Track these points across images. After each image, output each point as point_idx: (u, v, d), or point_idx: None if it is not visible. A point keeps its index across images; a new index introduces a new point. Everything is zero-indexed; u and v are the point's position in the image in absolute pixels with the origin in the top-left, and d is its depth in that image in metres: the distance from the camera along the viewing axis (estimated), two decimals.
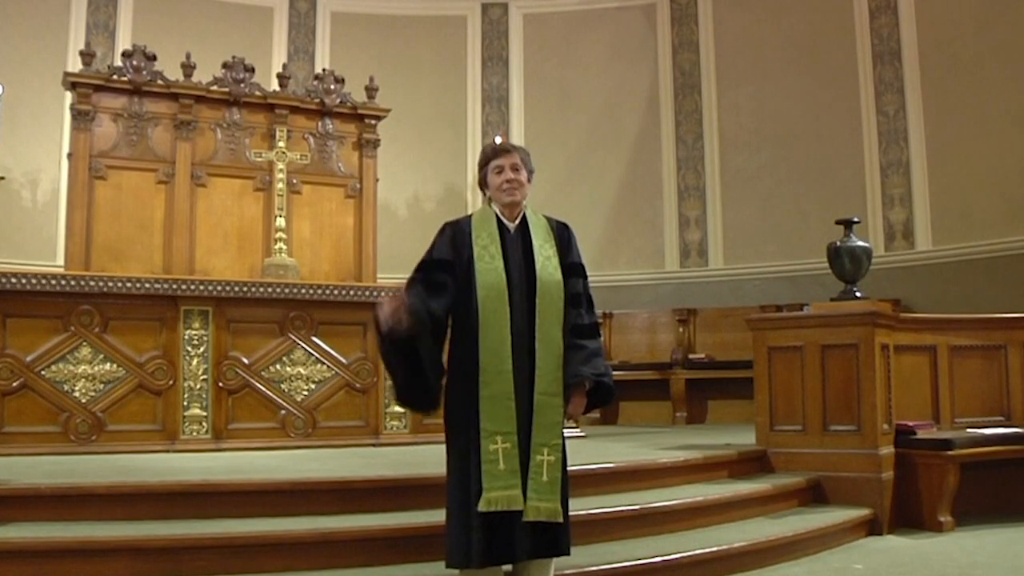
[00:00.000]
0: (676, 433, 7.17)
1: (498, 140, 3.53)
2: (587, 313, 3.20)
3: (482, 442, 2.95)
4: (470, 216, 3.26)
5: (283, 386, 5.68)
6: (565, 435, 3.14)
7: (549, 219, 3.27)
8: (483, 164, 3.25)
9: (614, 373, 3.39)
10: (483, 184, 3.27)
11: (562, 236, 3.24)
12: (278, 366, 5.68)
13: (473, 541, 2.93)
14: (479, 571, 3.02)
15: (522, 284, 3.09)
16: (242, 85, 7.75)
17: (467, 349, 3.06)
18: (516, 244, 3.14)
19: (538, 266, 3.10)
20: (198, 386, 5.44)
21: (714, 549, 3.97)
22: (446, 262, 3.14)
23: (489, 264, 3.07)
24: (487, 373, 2.99)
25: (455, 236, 3.18)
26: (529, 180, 3.22)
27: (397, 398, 3.20)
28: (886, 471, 5.10)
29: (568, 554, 3.10)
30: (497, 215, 3.19)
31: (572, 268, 3.20)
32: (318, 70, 9.03)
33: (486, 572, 3.03)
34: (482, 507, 2.91)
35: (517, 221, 3.19)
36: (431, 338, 3.05)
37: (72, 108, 7.43)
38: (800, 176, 9.37)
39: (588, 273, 3.32)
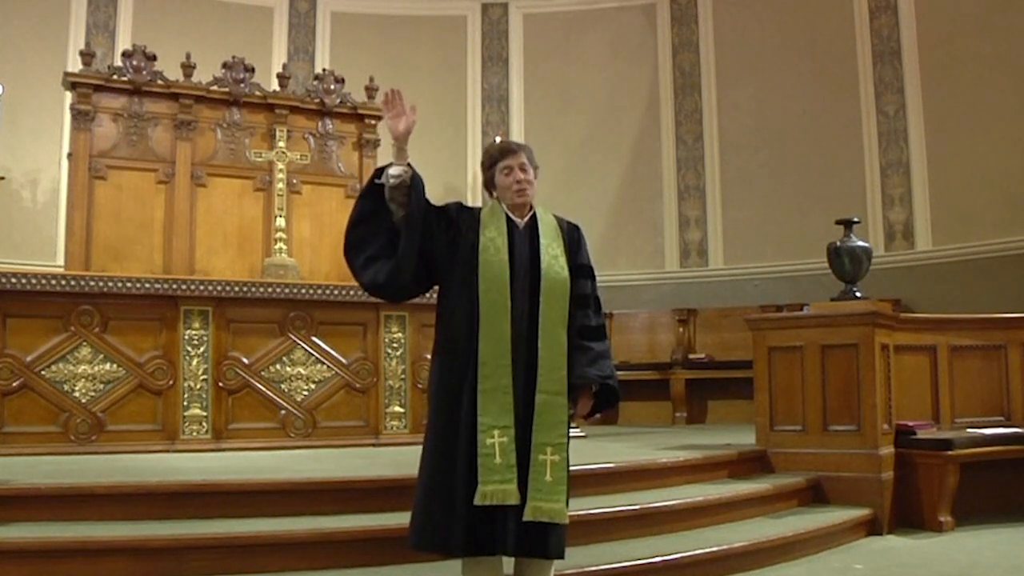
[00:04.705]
0: (676, 433, 7.17)
1: (498, 140, 3.52)
2: (595, 315, 3.18)
3: (479, 436, 2.93)
4: (481, 208, 3.23)
5: (283, 386, 5.68)
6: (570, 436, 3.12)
7: (559, 219, 3.24)
8: (489, 166, 3.21)
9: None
10: (490, 185, 3.25)
11: (572, 236, 3.22)
12: (278, 366, 5.68)
13: (455, 529, 2.91)
14: (478, 563, 3.01)
15: (526, 280, 3.06)
16: (242, 85, 7.76)
17: (461, 337, 3.03)
18: (524, 240, 3.12)
19: (544, 264, 3.07)
20: (198, 386, 5.44)
21: (714, 549, 3.97)
22: (447, 212, 3.14)
23: (493, 256, 3.05)
24: (486, 367, 2.97)
25: (462, 213, 3.17)
26: (536, 176, 3.21)
27: (347, 234, 3.14)
28: (886, 471, 5.10)
29: (562, 558, 3.06)
30: (506, 212, 3.17)
31: (580, 269, 3.18)
32: (318, 70, 9.03)
33: (484, 564, 3.02)
34: (477, 500, 2.88)
35: (526, 219, 3.17)
36: (413, 221, 3.03)
37: (72, 108, 7.43)
38: (800, 176, 9.37)
39: None
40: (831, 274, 5.71)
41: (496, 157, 3.20)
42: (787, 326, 5.49)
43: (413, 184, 3.04)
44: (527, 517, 2.91)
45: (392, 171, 3.05)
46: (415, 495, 3.05)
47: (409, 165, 3.07)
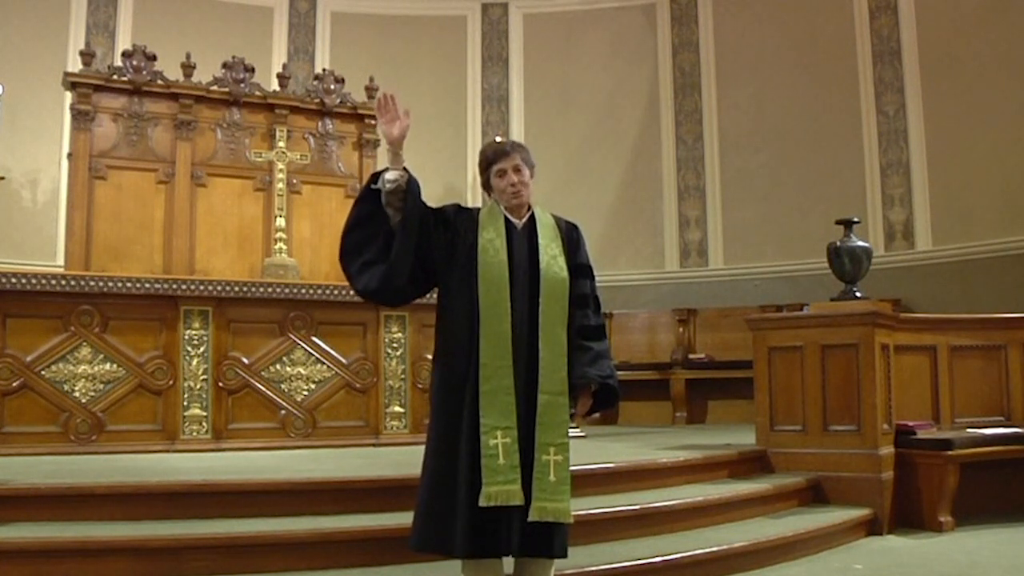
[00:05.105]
0: (676, 433, 7.17)
1: (498, 139, 3.51)
2: (594, 314, 3.18)
3: (482, 437, 2.93)
4: (479, 208, 3.23)
5: (283, 386, 5.68)
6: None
7: (558, 218, 3.25)
8: (484, 168, 3.22)
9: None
10: (487, 187, 3.25)
11: (570, 236, 3.22)
12: (278, 366, 5.68)
13: (458, 530, 2.91)
14: (479, 565, 3.01)
15: (525, 281, 3.06)
16: (242, 85, 7.76)
17: (461, 338, 3.03)
18: (522, 241, 3.12)
19: (543, 264, 3.07)
20: (198, 386, 5.44)
21: (714, 549, 3.97)
22: (444, 214, 3.14)
23: (493, 258, 3.05)
24: (487, 368, 2.97)
25: (460, 215, 3.17)
26: (532, 175, 3.21)
27: (344, 239, 3.14)
28: (886, 471, 5.10)
29: (566, 557, 3.07)
30: (504, 213, 3.17)
31: (580, 269, 3.18)
32: (318, 70, 9.03)
33: (485, 565, 3.01)
34: (482, 502, 2.88)
35: (524, 219, 3.17)
36: (409, 224, 3.02)
37: (72, 108, 7.44)
38: (800, 176, 9.37)
39: None
40: (831, 274, 5.71)
41: (490, 159, 3.20)
42: (787, 326, 5.49)
43: (409, 188, 3.04)
44: (533, 518, 2.91)
45: (388, 176, 3.04)
46: (417, 496, 3.05)
47: (405, 169, 3.06)
